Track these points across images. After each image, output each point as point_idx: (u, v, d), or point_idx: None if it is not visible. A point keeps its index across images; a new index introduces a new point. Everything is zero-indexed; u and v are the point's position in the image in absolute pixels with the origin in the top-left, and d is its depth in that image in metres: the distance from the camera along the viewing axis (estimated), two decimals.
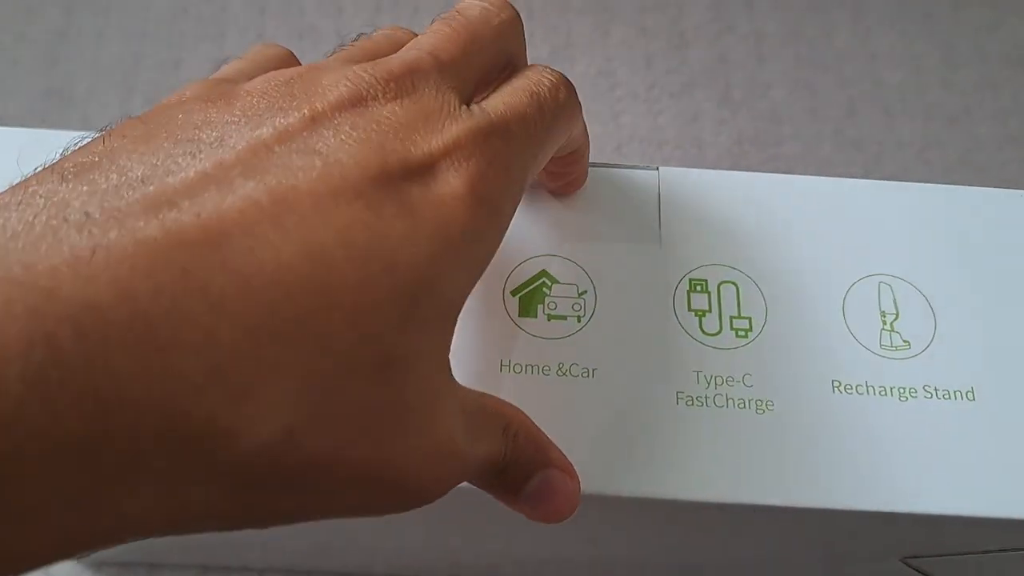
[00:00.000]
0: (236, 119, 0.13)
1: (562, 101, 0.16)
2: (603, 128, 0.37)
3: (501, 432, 0.15)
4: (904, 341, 0.19)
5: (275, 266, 0.11)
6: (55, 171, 0.12)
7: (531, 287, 0.19)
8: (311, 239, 0.11)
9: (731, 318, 0.19)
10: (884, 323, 0.19)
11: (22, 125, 0.35)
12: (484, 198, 0.13)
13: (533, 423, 0.16)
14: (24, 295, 0.09)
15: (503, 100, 0.15)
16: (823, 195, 0.20)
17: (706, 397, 0.18)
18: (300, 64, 0.16)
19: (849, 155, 0.38)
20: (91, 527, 0.10)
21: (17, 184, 0.12)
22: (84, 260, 0.10)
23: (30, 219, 0.11)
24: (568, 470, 0.17)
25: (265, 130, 0.12)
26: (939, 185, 0.21)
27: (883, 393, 0.18)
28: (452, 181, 0.13)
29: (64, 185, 0.11)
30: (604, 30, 0.41)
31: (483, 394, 0.16)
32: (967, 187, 0.21)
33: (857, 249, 0.20)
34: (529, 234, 0.20)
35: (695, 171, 0.21)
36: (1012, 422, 0.18)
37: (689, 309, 0.19)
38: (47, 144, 0.20)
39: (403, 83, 0.14)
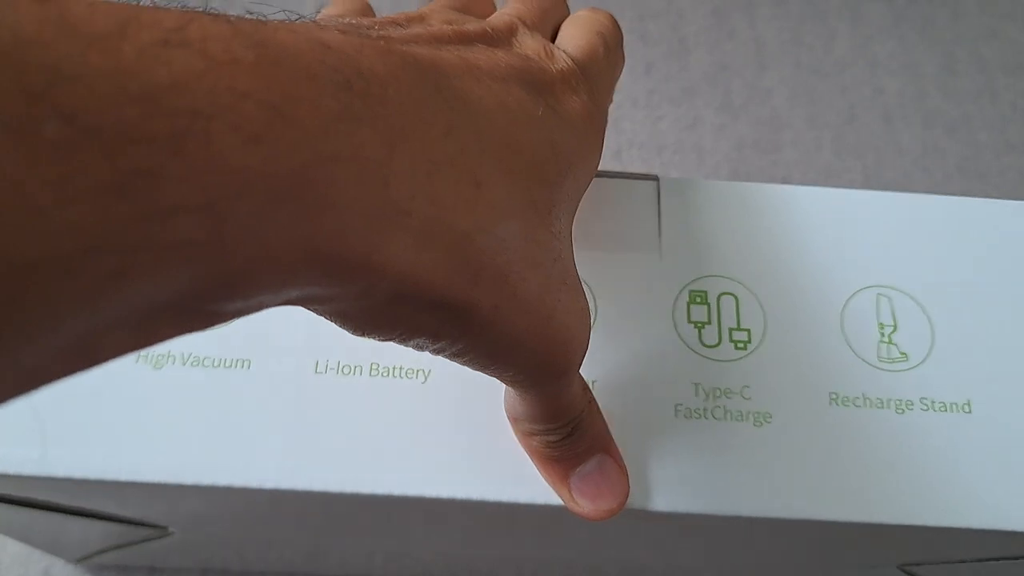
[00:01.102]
0: (413, 21, 0.16)
1: (618, 35, 0.20)
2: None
3: (584, 387, 0.16)
4: (901, 353, 0.19)
5: (483, 101, 0.14)
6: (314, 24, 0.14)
7: None
8: (502, 100, 0.14)
9: (730, 330, 0.19)
10: (882, 335, 0.19)
11: None
12: (592, 113, 0.17)
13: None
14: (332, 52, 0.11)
15: (582, 46, 0.18)
16: (822, 206, 0.20)
17: (704, 409, 0.18)
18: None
19: (848, 162, 0.38)
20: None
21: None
22: (379, 48, 0.12)
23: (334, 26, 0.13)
24: (623, 465, 0.17)
25: (440, 28, 0.16)
26: (938, 196, 0.21)
27: (880, 406, 0.18)
28: (572, 98, 0.16)
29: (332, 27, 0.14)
30: None
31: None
32: (967, 198, 0.21)
33: (856, 260, 0.20)
34: None
35: (694, 181, 0.21)
36: (1008, 434, 0.18)
37: (689, 321, 0.19)
38: None
39: (515, 34, 0.17)
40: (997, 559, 0.21)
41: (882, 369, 0.19)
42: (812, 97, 0.40)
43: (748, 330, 0.19)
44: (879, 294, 0.20)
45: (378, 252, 0.11)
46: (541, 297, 0.14)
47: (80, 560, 0.28)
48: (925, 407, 0.18)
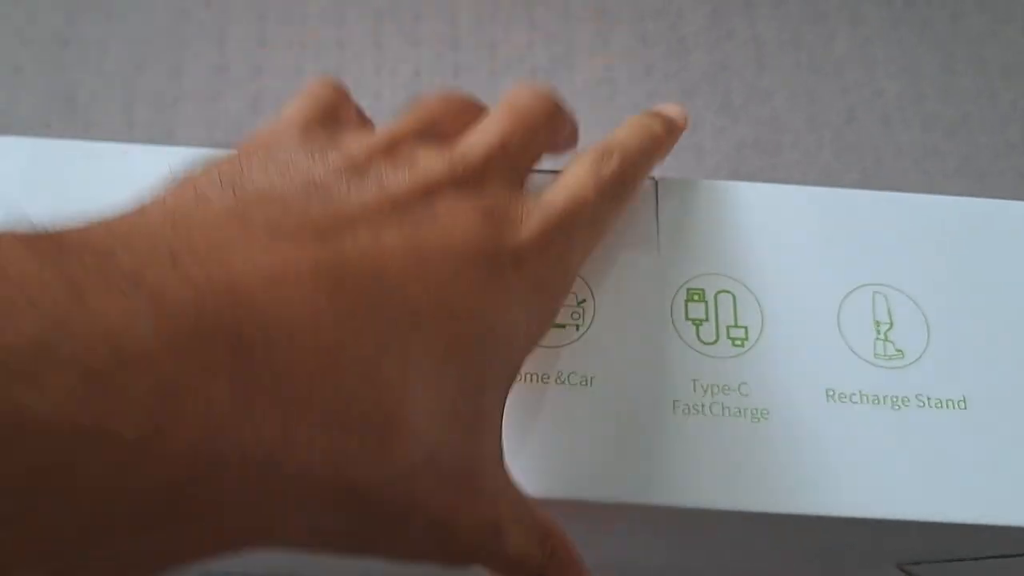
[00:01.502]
0: (356, 173, 0.14)
1: (622, 181, 0.18)
2: (603, 135, 0.37)
3: (539, 540, 0.16)
4: (897, 351, 0.19)
5: (416, 313, 0.13)
6: (209, 181, 0.13)
7: None
8: (444, 297, 0.13)
9: (728, 327, 0.19)
10: (878, 332, 0.19)
11: (26, 131, 0.35)
12: (547, 287, 0.16)
13: (574, 546, 0.17)
14: (228, 305, 0.11)
15: (565, 193, 0.17)
16: (820, 205, 0.21)
17: (703, 405, 0.18)
18: (352, 102, 0.18)
19: (848, 162, 0.38)
20: (232, 534, 0.11)
21: (177, 187, 0.13)
22: (276, 274, 0.11)
23: (217, 226, 0.12)
24: None
25: (393, 189, 0.14)
26: (936, 196, 0.21)
27: (876, 402, 0.19)
28: (529, 273, 0.15)
29: (231, 196, 0.13)
30: (604, 38, 0.41)
31: (533, 500, 0.16)
32: (964, 198, 0.21)
33: (853, 259, 0.20)
34: None
35: (692, 181, 0.21)
36: (1004, 430, 0.18)
37: (687, 318, 0.19)
38: (54, 154, 0.21)
39: (484, 172, 0.16)
40: (995, 557, 0.21)
41: (878, 366, 0.19)
42: (812, 98, 0.40)
43: (745, 327, 0.19)
44: (875, 292, 0.20)
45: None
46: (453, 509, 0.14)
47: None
48: (921, 404, 0.19)
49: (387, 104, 0.39)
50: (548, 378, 0.18)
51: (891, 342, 0.19)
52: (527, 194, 0.17)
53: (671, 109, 0.21)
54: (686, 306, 0.19)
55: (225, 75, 0.40)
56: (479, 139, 0.16)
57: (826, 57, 0.41)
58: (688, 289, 0.20)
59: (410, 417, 0.12)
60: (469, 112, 0.18)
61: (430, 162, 0.15)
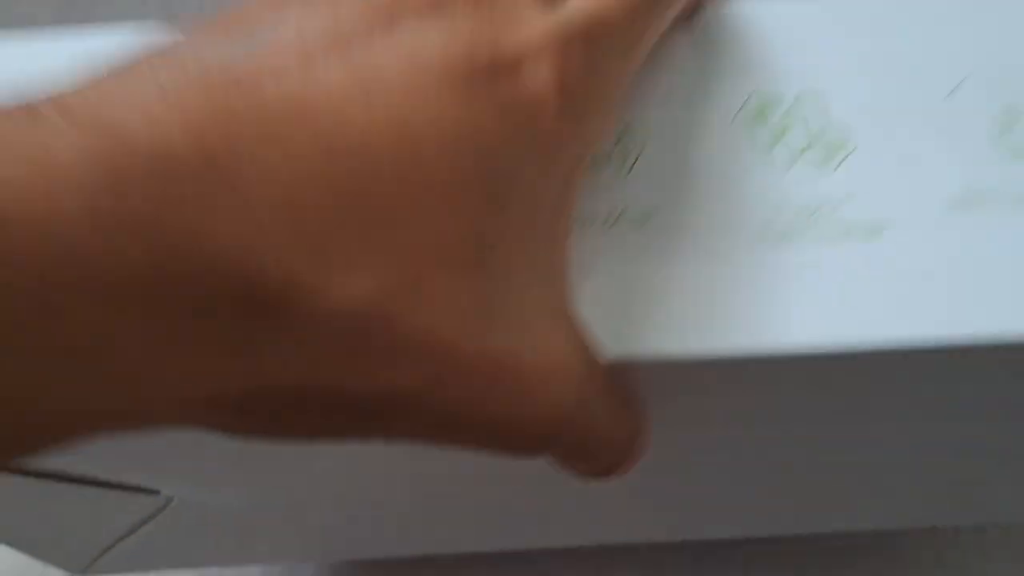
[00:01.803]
0: (312, 4, 0.12)
1: None
2: None
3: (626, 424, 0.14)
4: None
5: (363, 146, 0.10)
6: (127, 56, 0.11)
7: None
8: (402, 125, 0.11)
9: (811, 137, 0.15)
10: (1003, 126, 0.15)
11: None
12: (572, 104, 0.13)
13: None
14: (92, 138, 0.09)
15: (589, 1, 0.14)
16: None
17: (795, 232, 0.14)
18: None
19: None
20: (146, 388, 0.09)
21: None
22: (157, 112, 0.10)
23: (101, 83, 0.10)
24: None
25: (343, 15, 0.12)
26: None
27: (1017, 201, 0.15)
28: (540, 82, 0.12)
29: (135, 62, 0.11)
30: None
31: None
32: None
33: (955, 48, 0.16)
34: None
35: None
36: None
37: (758, 133, 0.15)
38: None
39: None
40: None
41: (1009, 162, 0.15)
42: None
43: (834, 139, 0.15)
44: (987, 81, 0.16)
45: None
46: (480, 353, 0.11)
47: (87, 568, 0.25)
48: None
49: None
50: (593, 222, 0.15)
51: (1016, 132, 0.15)
52: (542, 2, 0.13)
53: None
54: (758, 116, 0.15)
55: None
56: None
57: None
58: (758, 97, 0.16)
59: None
60: None
61: None
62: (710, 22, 0.17)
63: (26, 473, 0.18)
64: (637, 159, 0.15)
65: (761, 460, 0.20)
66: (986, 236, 0.14)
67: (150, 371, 0.09)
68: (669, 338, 0.14)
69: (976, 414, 0.17)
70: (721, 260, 0.14)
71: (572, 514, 0.22)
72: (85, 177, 0.09)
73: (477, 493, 0.21)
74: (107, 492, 0.19)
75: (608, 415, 0.13)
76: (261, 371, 0.10)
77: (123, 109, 0.09)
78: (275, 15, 0.12)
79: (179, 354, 0.09)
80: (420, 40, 0.12)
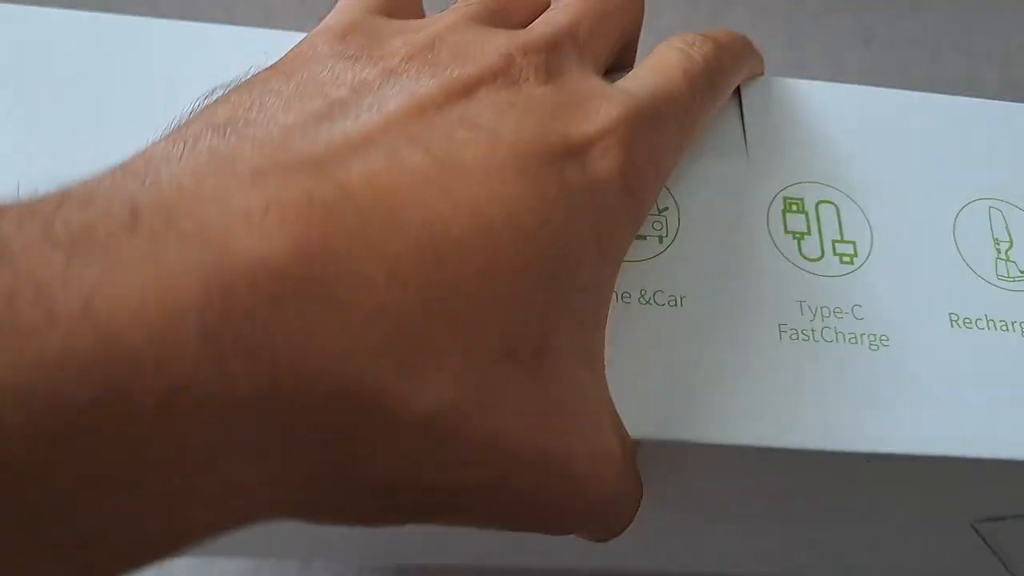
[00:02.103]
0: (386, 81, 0.12)
1: (718, 68, 0.16)
2: None
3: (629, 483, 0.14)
4: (1021, 272, 0.17)
5: (446, 238, 0.11)
6: (208, 123, 0.11)
7: None
8: (480, 214, 0.11)
9: (833, 242, 0.16)
10: (999, 251, 0.17)
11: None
12: (634, 187, 0.13)
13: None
14: (198, 251, 0.09)
15: (652, 80, 0.14)
16: (924, 111, 0.18)
17: (813, 330, 0.15)
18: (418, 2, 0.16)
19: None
20: (248, 493, 0.09)
21: (173, 134, 0.11)
22: (257, 216, 0.09)
23: (197, 173, 0.10)
24: None
25: (422, 95, 0.12)
26: None
27: (1005, 328, 0.16)
28: (606, 167, 0.13)
29: (224, 139, 0.11)
30: None
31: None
32: None
33: (966, 170, 0.17)
34: None
35: (779, 80, 0.18)
36: None
37: (786, 231, 0.16)
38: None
39: (550, 61, 0.13)
40: None
41: (1003, 288, 0.16)
42: None
43: (853, 242, 0.16)
44: (992, 207, 0.17)
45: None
46: (539, 453, 0.12)
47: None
48: None
49: None
50: (630, 297, 0.15)
51: (1013, 262, 0.17)
52: (606, 83, 0.14)
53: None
54: (784, 217, 0.16)
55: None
56: (544, 21, 0.14)
57: None
58: (785, 198, 0.17)
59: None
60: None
61: (480, 53, 0.13)
62: (756, 101, 0.17)
63: None
64: (674, 239, 0.16)
65: (759, 528, 0.21)
66: (981, 354, 0.16)
67: (252, 477, 0.09)
68: (690, 424, 0.14)
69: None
70: (743, 350, 0.15)
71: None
72: (196, 295, 0.08)
73: None
74: None
75: (629, 492, 0.14)
76: (349, 469, 0.10)
77: (224, 213, 0.09)
78: (354, 86, 0.12)
79: (278, 458, 0.09)
80: (495, 121, 0.12)
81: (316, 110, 0.12)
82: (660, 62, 0.15)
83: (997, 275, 0.17)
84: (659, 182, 0.14)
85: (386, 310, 0.10)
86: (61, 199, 0.09)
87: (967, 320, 0.16)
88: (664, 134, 0.14)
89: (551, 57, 0.13)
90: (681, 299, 0.15)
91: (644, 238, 0.16)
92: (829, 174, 0.17)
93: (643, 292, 0.15)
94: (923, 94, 0.18)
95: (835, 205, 0.17)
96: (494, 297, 0.11)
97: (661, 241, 0.16)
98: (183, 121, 0.12)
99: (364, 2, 0.15)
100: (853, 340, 0.15)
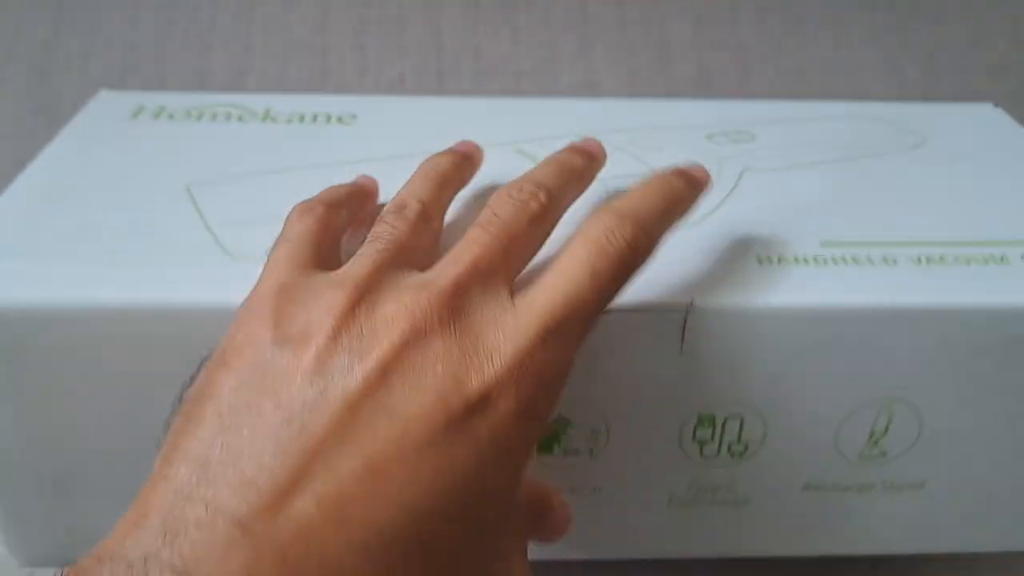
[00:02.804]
0: (316, 379, 0.15)
1: (633, 256, 0.17)
2: None
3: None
4: (882, 452, 0.21)
5: (382, 534, 0.14)
6: (184, 459, 0.14)
7: (549, 434, 0.20)
8: (407, 501, 0.14)
9: (730, 444, 0.21)
10: (871, 440, 0.21)
11: (10, 140, 0.38)
12: (532, 412, 0.16)
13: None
14: None
15: (557, 287, 0.16)
16: (824, 323, 0.19)
17: (692, 500, 0.21)
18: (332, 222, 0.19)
19: None
20: None
21: (159, 471, 0.14)
22: (239, 565, 0.13)
23: (178, 516, 0.13)
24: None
25: (348, 390, 0.15)
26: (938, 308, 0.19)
27: (847, 489, 0.21)
28: (506, 407, 0.15)
29: (204, 486, 0.14)
30: (588, 44, 0.41)
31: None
32: (970, 309, 0.19)
33: (856, 375, 0.20)
34: None
35: (722, 310, 0.19)
36: (957, 504, 0.22)
37: (693, 440, 0.21)
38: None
39: (453, 306, 0.16)
40: None
41: (860, 464, 0.21)
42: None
43: (747, 443, 0.21)
44: (881, 407, 0.20)
45: None
46: None
47: None
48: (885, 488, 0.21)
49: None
50: (562, 489, 0.21)
51: (880, 446, 0.21)
52: (510, 304, 0.16)
53: (696, 170, 0.20)
54: (695, 430, 0.20)
55: (210, 82, 0.40)
56: (453, 260, 0.17)
57: (809, 62, 0.41)
58: (699, 415, 0.20)
59: None
60: (434, 221, 0.19)
61: (392, 325, 0.15)
62: (697, 336, 0.19)
63: None
64: (603, 449, 0.21)
65: None
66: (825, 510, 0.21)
67: None
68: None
69: None
70: (637, 511, 0.21)
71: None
72: None
73: None
74: None
75: None
76: None
77: (206, 560, 0.12)
78: (296, 395, 0.14)
79: None
80: (406, 403, 0.14)
81: (261, 430, 0.14)
82: (571, 261, 0.16)
83: (859, 456, 0.21)
84: (557, 393, 0.16)
85: None
86: None
87: (818, 486, 0.21)
88: (562, 347, 0.16)
89: (455, 302, 0.16)
90: (598, 490, 0.21)
91: (578, 452, 0.21)
92: (741, 391, 0.20)
93: (573, 487, 0.21)
94: (825, 308, 0.19)
95: (741, 418, 0.20)
96: (429, 567, 0.14)
97: (592, 454, 0.21)
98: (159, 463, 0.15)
99: (292, 260, 0.17)
100: (723, 503, 0.21)
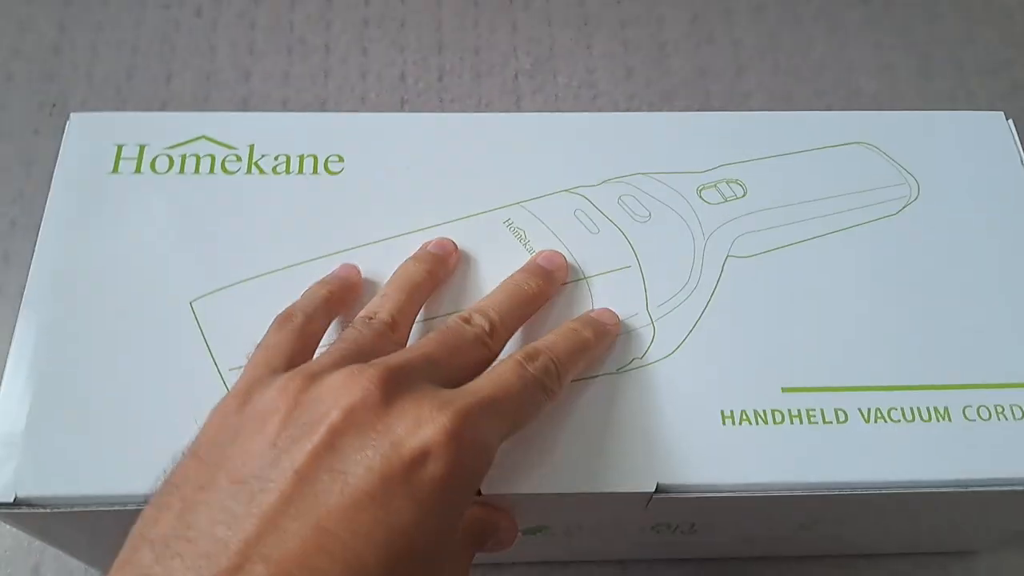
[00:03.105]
0: (268, 451, 0.17)
1: (548, 377, 0.20)
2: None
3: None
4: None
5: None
6: (147, 543, 0.16)
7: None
8: (350, 555, 0.15)
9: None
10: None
11: (18, 138, 0.39)
12: (463, 475, 0.18)
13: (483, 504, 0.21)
14: None
15: (486, 383, 0.19)
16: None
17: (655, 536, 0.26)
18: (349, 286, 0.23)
19: None
20: None
21: (123, 558, 0.16)
22: None
23: None
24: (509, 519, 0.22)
25: (296, 458, 0.16)
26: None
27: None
28: (438, 469, 0.17)
29: (161, 564, 0.15)
30: (586, 43, 0.42)
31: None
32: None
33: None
34: None
35: (688, 486, 0.22)
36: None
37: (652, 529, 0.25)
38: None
39: (398, 380, 0.18)
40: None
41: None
42: (789, 100, 0.40)
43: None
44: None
45: None
46: None
47: None
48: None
49: (372, 107, 0.40)
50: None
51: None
52: (448, 388, 0.19)
53: (605, 315, 0.23)
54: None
55: (215, 79, 0.41)
56: (405, 351, 0.20)
57: (803, 60, 0.41)
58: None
59: None
60: (404, 325, 0.21)
61: (339, 389, 0.17)
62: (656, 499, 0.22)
63: None
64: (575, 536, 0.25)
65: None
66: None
67: None
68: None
69: None
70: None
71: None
72: None
73: None
74: None
75: None
76: None
77: None
78: (255, 471, 0.16)
79: None
80: (350, 464, 0.16)
81: (221, 501, 0.15)
82: (497, 370, 0.20)
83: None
84: (487, 459, 0.19)
85: None
86: None
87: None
88: (488, 428, 0.18)
89: (399, 377, 0.18)
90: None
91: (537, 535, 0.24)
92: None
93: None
94: None
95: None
96: None
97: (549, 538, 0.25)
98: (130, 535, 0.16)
99: (267, 364, 0.20)
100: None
